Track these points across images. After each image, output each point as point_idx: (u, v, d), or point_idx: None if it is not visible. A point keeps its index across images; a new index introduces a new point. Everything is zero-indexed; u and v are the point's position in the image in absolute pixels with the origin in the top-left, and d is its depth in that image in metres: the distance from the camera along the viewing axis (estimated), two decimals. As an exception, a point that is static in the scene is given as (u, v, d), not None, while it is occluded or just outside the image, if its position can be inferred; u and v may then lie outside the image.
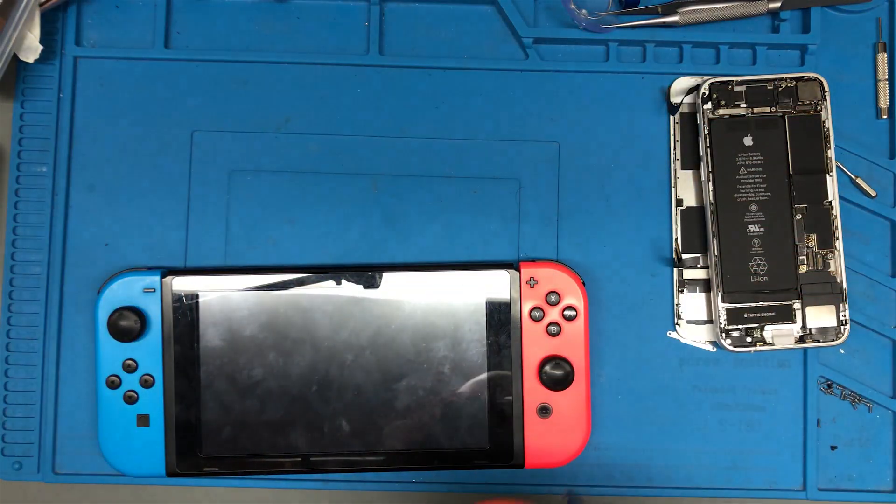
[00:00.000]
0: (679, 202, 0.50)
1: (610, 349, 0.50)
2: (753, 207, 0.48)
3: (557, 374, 0.47)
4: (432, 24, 0.51)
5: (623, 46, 0.51)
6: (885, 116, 0.50)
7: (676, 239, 0.50)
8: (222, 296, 0.47)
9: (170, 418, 0.47)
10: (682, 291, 0.49)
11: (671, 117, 0.50)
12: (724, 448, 0.50)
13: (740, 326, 0.48)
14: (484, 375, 0.47)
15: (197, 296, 0.47)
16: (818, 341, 0.48)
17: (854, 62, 0.51)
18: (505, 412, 0.47)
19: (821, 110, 0.48)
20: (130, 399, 0.47)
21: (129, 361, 0.47)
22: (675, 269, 0.50)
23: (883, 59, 0.50)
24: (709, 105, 0.49)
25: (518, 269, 0.48)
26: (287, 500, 0.50)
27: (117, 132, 0.50)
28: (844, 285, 0.48)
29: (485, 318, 0.47)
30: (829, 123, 0.48)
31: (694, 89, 0.50)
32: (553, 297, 0.47)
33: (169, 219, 0.50)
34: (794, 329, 0.48)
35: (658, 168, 0.50)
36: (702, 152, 0.49)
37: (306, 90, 0.50)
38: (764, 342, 0.48)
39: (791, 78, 0.49)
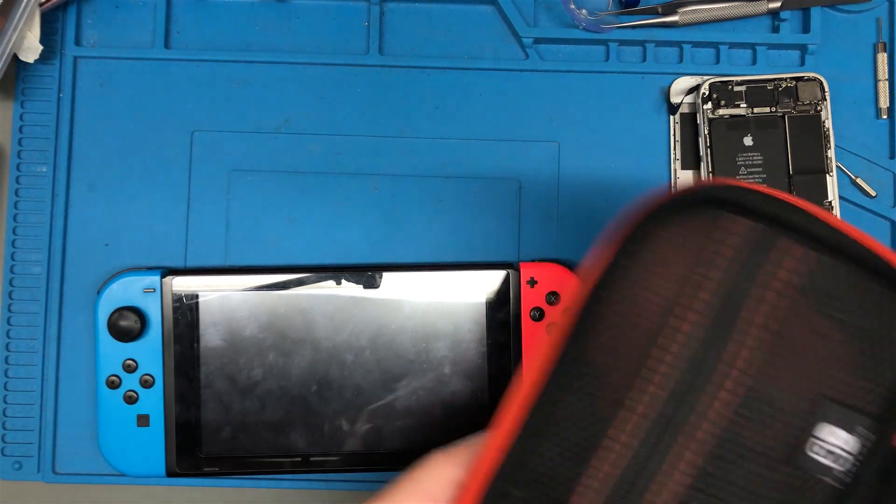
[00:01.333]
0: (679, 202, 0.50)
1: (610, 349, 0.49)
2: (753, 207, 0.48)
3: (557, 374, 0.47)
4: (432, 24, 0.51)
5: (623, 46, 0.51)
6: (885, 116, 0.50)
7: (676, 239, 0.50)
8: (222, 296, 0.47)
9: (170, 418, 0.47)
10: (682, 291, 0.49)
11: (671, 117, 0.50)
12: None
13: (740, 326, 0.48)
14: (484, 375, 0.47)
15: (197, 296, 0.47)
16: (818, 341, 0.48)
17: (854, 62, 0.51)
18: (505, 412, 0.47)
19: (821, 110, 0.48)
20: (130, 399, 0.47)
21: (129, 361, 0.47)
22: (675, 269, 0.49)
23: (883, 59, 0.50)
24: (709, 105, 0.48)
25: (518, 269, 0.48)
26: (287, 500, 0.50)
27: (117, 132, 0.50)
28: (844, 285, 0.48)
29: (485, 318, 0.47)
30: (829, 123, 0.48)
31: (694, 89, 0.50)
32: (553, 297, 0.47)
33: (169, 219, 0.49)
34: (794, 329, 0.48)
35: (658, 168, 0.50)
36: (702, 152, 0.49)
37: (306, 90, 0.50)
38: (764, 342, 0.48)
39: (791, 78, 0.49)
